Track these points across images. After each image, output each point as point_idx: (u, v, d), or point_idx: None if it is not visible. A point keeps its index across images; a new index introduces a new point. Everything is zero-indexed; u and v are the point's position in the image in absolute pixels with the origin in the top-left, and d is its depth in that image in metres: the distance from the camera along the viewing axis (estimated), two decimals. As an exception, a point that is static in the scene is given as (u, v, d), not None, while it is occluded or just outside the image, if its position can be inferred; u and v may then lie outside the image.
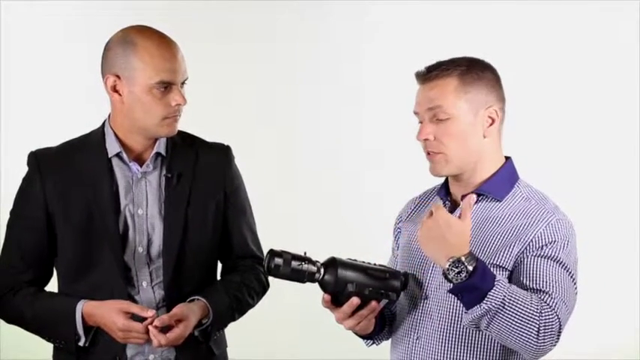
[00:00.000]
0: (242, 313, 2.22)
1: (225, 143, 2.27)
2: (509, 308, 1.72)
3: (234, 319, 2.21)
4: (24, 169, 2.18)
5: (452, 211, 1.95)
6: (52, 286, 2.21)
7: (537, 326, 1.74)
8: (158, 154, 2.15)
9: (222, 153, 2.24)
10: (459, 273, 1.71)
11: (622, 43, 3.85)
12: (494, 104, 1.91)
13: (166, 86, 2.05)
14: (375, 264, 1.90)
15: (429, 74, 1.91)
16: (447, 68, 1.90)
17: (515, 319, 1.73)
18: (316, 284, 1.86)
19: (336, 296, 1.86)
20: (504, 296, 1.72)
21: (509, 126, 1.98)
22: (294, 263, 1.81)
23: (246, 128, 3.82)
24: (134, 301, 2.10)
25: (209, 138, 2.28)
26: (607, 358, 3.75)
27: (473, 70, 1.90)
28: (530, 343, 1.75)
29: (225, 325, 2.22)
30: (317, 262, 1.84)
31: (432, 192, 2.08)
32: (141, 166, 2.14)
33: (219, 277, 2.30)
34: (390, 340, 2.04)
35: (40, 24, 3.81)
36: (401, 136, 3.73)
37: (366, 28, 3.99)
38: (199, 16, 3.86)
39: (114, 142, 2.12)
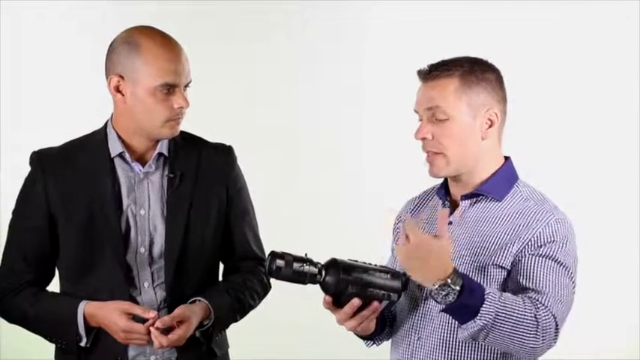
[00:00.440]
0: (244, 314, 2.22)
1: (227, 143, 2.27)
2: (503, 319, 1.72)
3: (235, 321, 2.21)
4: (25, 169, 2.18)
5: (452, 211, 1.96)
6: (54, 286, 2.21)
7: (535, 329, 1.75)
8: (160, 154, 2.15)
9: (224, 153, 2.24)
10: (446, 295, 1.70)
11: (622, 43, 3.85)
12: (494, 106, 1.91)
13: (170, 88, 2.05)
14: (375, 265, 1.90)
15: (431, 73, 1.91)
16: (448, 68, 1.89)
17: (512, 328, 1.73)
18: (317, 285, 1.87)
19: (337, 297, 1.85)
20: (497, 309, 1.72)
21: (509, 126, 1.98)
22: (296, 265, 1.81)
23: (246, 128, 3.81)
24: (136, 301, 2.10)
25: (209, 138, 2.28)
26: (607, 358, 3.75)
27: (475, 72, 1.90)
28: (530, 346, 1.76)
29: (227, 327, 2.22)
30: (318, 263, 1.84)
31: (432, 192, 2.08)
32: (143, 167, 2.14)
33: (220, 279, 2.29)
34: (391, 340, 2.05)
35: (40, 24, 3.81)
36: (401, 136, 3.73)
37: (366, 28, 4.00)
38: (200, 16, 3.86)
39: (116, 142, 2.12)
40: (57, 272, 2.20)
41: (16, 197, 2.17)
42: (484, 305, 1.71)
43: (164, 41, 2.06)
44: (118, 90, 2.08)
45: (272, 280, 2.08)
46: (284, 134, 3.94)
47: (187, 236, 2.14)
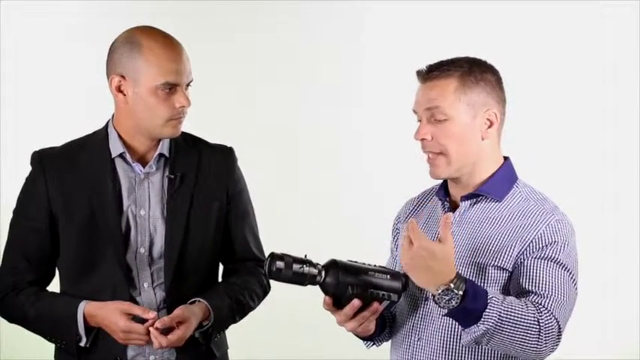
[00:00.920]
0: (243, 315, 2.22)
1: (228, 145, 2.27)
2: (507, 323, 1.73)
3: (235, 322, 2.21)
4: (25, 169, 2.18)
5: (452, 212, 1.95)
6: (54, 286, 2.22)
7: (537, 332, 1.75)
8: (161, 155, 2.15)
9: (225, 155, 2.24)
10: (449, 300, 1.71)
11: (622, 43, 3.85)
12: (493, 107, 1.91)
13: (171, 88, 2.05)
14: (375, 265, 1.90)
15: (430, 74, 1.90)
16: (448, 69, 1.89)
17: (515, 332, 1.74)
18: (317, 286, 1.86)
19: (337, 298, 1.85)
20: (499, 314, 1.72)
21: (508, 126, 1.98)
22: (296, 266, 1.81)
23: (246, 128, 3.82)
24: (135, 302, 2.10)
25: (209, 138, 2.28)
26: (607, 357, 3.75)
27: (474, 72, 1.90)
28: (533, 349, 1.76)
29: (226, 327, 2.22)
30: (318, 264, 1.84)
31: (431, 192, 2.07)
32: (144, 167, 2.14)
33: (220, 280, 2.29)
34: (391, 341, 2.04)
35: (41, 24, 3.81)
36: (401, 136, 3.74)
37: (367, 27, 4.00)
38: (200, 16, 3.86)
39: (117, 142, 2.12)
40: (57, 272, 2.20)
41: (17, 197, 2.17)
42: (487, 310, 1.72)
43: (165, 41, 2.06)
44: (119, 90, 2.08)
45: (271, 281, 2.08)
46: (284, 134, 3.94)
47: (187, 237, 2.14)
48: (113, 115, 2.16)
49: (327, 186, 3.94)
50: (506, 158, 1.98)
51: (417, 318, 1.94)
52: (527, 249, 1.85)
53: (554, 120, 3.87)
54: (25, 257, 2.14)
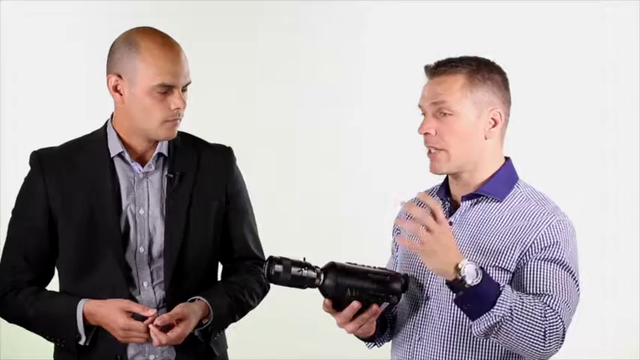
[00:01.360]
0: (242, 314, 2.22)
1: (227, 144, 2.27)
2: (516, 315, 1.73)
3: (234, 320, 2.21)
4: (24, 169, 2.18)
5: (452, 211, 1.96)
6: (53, 285, 2.21)
7: (543, 331, 1.75)
8: (160, 154, 2.15)
9: (224, 154, 2.24)
10: (476, 272, 1.71)
11: (622, 43, 3.84)
12: (498, 106, 1.91)
13: (167, 89, 2.04)
14: (375, 267, 1.90)
15: (438, 69, 1.91)
16: (456, 65, 1.90)
17: (522, 325, 1.74)
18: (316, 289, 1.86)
19: (336, 301, 1.86)
20: (512, 302, 1.73)
21: (508, 126, 1.98)
22: (294, 269, 1.81)
23: (246, 128, 3.82)
24: (135, 301, 2.10)
25: (208, 137, 2.28)
26: (607, 357, 3.75)
27: (481, 71, 1.91)
28: (537, 347, 1.76)
29: (226, 326, 2.22)
30: (317, 267, 1.84)
31: (432, 192, 2.07)
32: (143, 167, 2.14)
33: (219, 279, 2.29)
34: (391, 341, 2.04)
35: (40, 24, 3.82)
36: (401, 136, 3.74)
37: (367, 27, 4.00)
38: (199, 16, 3.86)
39: (116, 142, 2.12)
40: (56, 272, 2.20)
41: (16, 197, 2.17)
42: (501, 296, 1.72)
43: (163, 42, 2.06)
44: (116, 89, 2.08)
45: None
46: (284, 134, 3.94)
47: (187, 236, 2.14)
48: (112, 115, 2.16)
49: (327, 186, 3.94)
50: (507, 159, 1.98)
51: (417, 318, 1.94)
52: (529, 250, 1.85)
53: (554, 120, 3.86)
54: (24, 257, 2.13)
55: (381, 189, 3.87)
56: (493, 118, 1.91)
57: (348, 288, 1.83)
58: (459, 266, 1.71)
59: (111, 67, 2.08)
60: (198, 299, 2.11)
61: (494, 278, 1.84)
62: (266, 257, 2.21)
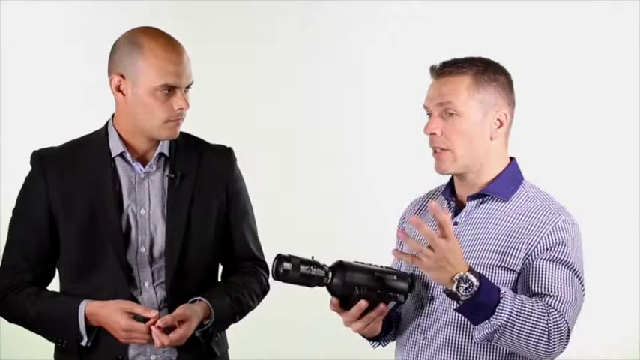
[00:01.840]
0: (243, 314, 2.22)
1: (227, 145, 2.27)
2: (517, 319, 1.73)
3: (235, 321, 2.21)
4: (24, 169, 2.18)
5: (458, 211, 1.96)
6: (54, 286, 2.21)
7: (547, 332, 1.75)
8: (161, 154, 2.15)
9: (224, 155, 2.24)
10: (467, 289, 1.70)
11: (625, 43, 3.84)
12: (504, 107, 1.92)
13: (170, 89, 2.05)
14: (382, 266, 1.90)
15: (444, 69, 1.92)
16: (462, 66, 1.91)
17: (525, 329, 1.74)
18: (321, 287, 1.86)
19: (344, 299, 1.86)
20: (512, 309, 1.73)
21: (513, 126, 1.98)
22: (303, 267, 1.81)
23: (246, 128, 3.81)
24: (136, 301, 2.10)
25: (209, 138, 2.29)
26: (608, 357, 3.75)
27: (487, 72, 1.91)
28: (542, 349, 1.76)
29: (227, 327, 2.22)
30: (325, 265, 1.84)
31: (437, 192, 2.07)
32: (144, 167, 2.14)
33: (219, 279, 2.29)
34: (396, 340, 2.04)
35: (40, 24, 3.81)
36: (401, 136, 3.74)
37: (367, 27, 3.99)
38: (200, 16, 3.86)
39: (117, 142, 2.12)
40: (57, 272, 2.20)
41: (17, 197, 2.17)
42: (500, 304, 1.72)
43: (166, 42, 2.07)
44: (119, 89, 2.08)
45: (272, 282, 2.08)
46: (284, 134, 3.94)
47: (188, 236, 2.14)
48: (113, 115, 2.16)
49: (327, 186, 3.94)
50: (512, 159, 1.98)
51: (422, 317, 1.94)
52: (535, 250, 1.85)
53: (558, 121, 3.86)
54: (24, 257, 2.13)
55: (381, 189, 3.87)
56: (499, 119, 1.91)
57: (356, 287, 1.83)
58: (454, 279, 1.71)
59: (113, 67, 2.08)
60: (200, 300, 2.11)
61: (500, 278, 1.85)
62: (266, 257, 2.22)
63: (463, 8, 3.88)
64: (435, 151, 1.92)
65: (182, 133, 2.16)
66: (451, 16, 3.90)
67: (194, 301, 2.11)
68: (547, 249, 1.85)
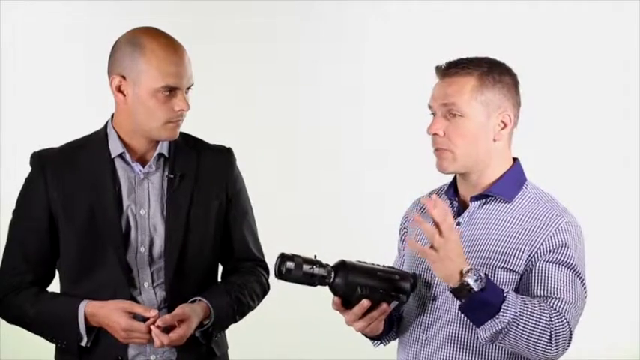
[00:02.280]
0: (243, 314, 2.22)
1: (227, 145, 2.27)
2: (521, 320, 1.73)
3: (235, 321, 2.21)
4: (24, 169, 2.17)
5: (461, 212, 1.96)
6: (54, 287, 2.21)
7: (549, 333, 1.75)
8: (161, 154, 2.15)
9: (224, 155, 2.24)
10: (477, 280, 1.70)
11: (625, 43, 3.84)
12: (508, 109, 1.91)
13: (171, 90, 2.05)
14: (384, 266, 1.90)
15: (449, 70, 1.91)
16: (467, 67, 1.90)
17: (528, 330, 1.74)
18: (322, 286, 1.86)
19: (346, 299, 1.86)
20: (516, 308, 1.73)
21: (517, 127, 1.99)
22: (306, 267, 1.81)
23: (246, 128, 3.82)
24: (136, 301, 2.10)
25: (209, 138, 2.29)
26: (608, 357, 3.75)
27: (492, 73, 1.90)
28: (544, 350, 1.76)
29: (227, 327, 2.22)
30: (327, 265, 1.84)
31: (440, 192, 2.06)
32: (143, 167, 2.14)
33: (219, 279, 2.29)
34: (398, 340, 2.05)
35: (40, 24, 3.81)
36: (401, 136, 3.75)
37: (367, 27, 3.99)
38: (199, 16, 3.86)
39: (117, 142, 2.12)
40: (57, 272, 2.20)
41: (17, 198, 2.17)
42: (506, 302, 1.72)
43: (168, 43, 2.07)
44: (119, 90, 2.08)
45: (273, 281, 2.08)
46: (284, 134, 3.94)
47: (187, 237, 2.14)
48: (113, 116, 2.16)
49: (327, 186, 3.94)
50: (515, 160, 1.98)
51: (424, 317, 1.94)
52: (537, 252, 1.85)
53: (559, 121, 3.86)
54: (25, 258, 2.13)
55: (381, 189, 3.87)
56: (502, 121, 1.91)
57: (359, 286, 1.84)
58: (463, 272, 1.71)
59: (114, 68, 2.08)
60: (199, 300, 2.11)
61: (502, 280, 1.85)
62: (267, 257, 2.22)
63: (463, 8, 3.88)
64: (436, 150, 1.92)
65: (181, 134, 2.16)
66: (451, 16, 3.90)
67: (194, 301, 2.11)
68: (550, 251, 1.85)
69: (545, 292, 1.81)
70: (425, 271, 1.95)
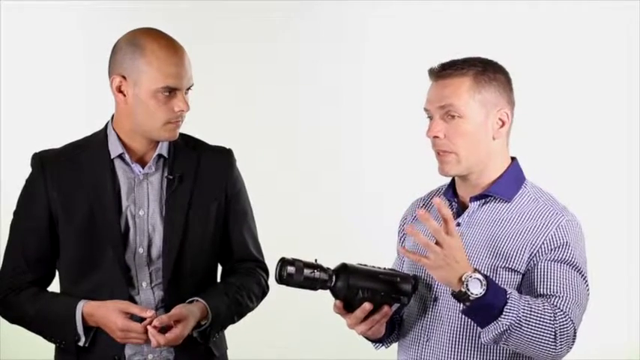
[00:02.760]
0: (241, 315, 2.22)
1: (227, 146, 2.27)
2: (525, 320, 1.73)
3: (233, 322, 2.21)
4: (24, 170, 2.18)
5: (460, 212, 1.95)
6: (54, 286, 2.22)
7: (554, 333, 1.75)
8: (160, 155, 2.15)
9: (224, 156, 2.24)
10: (476, 286, 1.70)
11: (625, 43, 3.84)
12: (505, 107, 1.91)
13: (171, 91, 2.05)
14: (384, 268, 1.90)
15: (443, 72, 1.91)
16: (461, 67, 1.90)
17: (532, 330, 1.74)
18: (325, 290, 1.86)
19: (348, 302, 1.86)
20: (519, 309, 1.72)
21: (514, 127, 1.98)
22: (307, 271, 1.81)
23: (246, 128, 3.82)
24: (134, 301, 2.10)
25: (209, 138, 2.29)
26: (608, 358, 3.75)
27: (487, 72, 1.90)
28: (549, 350, 1.76)
29: (225, 327, 2.22)
30: (328, 269, 1.84)
31: (438, 193, 2.06)
32: (143, 168, 2.14)
33: (219, 280, 2.29)
34: (398, 342, 2.04)
35: (40, 25, 3.81)
36: (401, 136, 3.74)
37: (367, 27, 3.99)
38: (199, 16, 3.86)
39: (116, 143, 2.12)
40: (57, 272, 2.20)
41: (17, 198, 2.17)
42: (508, 305, 1.72)
43: (168, 44, 2.07)
44: (119, 90, 2.08)
45: (272, 281, 2.08)
46: (284, 134, 3.94)
47: (186, 237, 2.14)
48: (113, 116, 2.16)
49: (327, 186, 3.94)
50: (513, 159, 1.98)
51: (425, 319, 1.93)
52: (539, 251, 1.85)
53: (557, 120, 3.86)
54: (25, 258, 2.14)
55: (381, 189, 3.87)
56: (500, 119, 1.91)
57: (360, 289, 1.83)
58: (463, 279, 1.71)
59: (115, 68, 2.08)
60: (197, 300, 2.12)
61: (504, 279, 1.85)
62: (266, 258, 2.22)
63: (463, 8, 3.87)
64: (438, 154, 1.92)
65: (181, 134, 2.16)
66: (451, 16, 3.90)
67: (191, 302, 2.11)
68: (551, 250, 1.85)
69: (548, 291, 1.81)
70: (425, 272, 1.94)
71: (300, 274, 1.80)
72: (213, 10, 3.87)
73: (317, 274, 1.81)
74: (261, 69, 3.92)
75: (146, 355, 2.13)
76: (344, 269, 1.84)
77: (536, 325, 1.74)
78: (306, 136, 3.97)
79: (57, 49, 3.82)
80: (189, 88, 2.10)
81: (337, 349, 3.59)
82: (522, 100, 1.99)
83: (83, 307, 2.08)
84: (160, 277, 2.13)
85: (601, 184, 3.85)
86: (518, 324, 1.72)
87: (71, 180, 2.12)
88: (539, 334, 1.74)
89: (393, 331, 2.03)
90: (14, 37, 3.78)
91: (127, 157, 2.13)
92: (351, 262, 1.86)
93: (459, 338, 1.88)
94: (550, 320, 1.75)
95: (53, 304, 2.12)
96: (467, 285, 1.70)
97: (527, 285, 1.85)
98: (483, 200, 1.93)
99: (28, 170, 2.17)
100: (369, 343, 2.08)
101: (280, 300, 2.60)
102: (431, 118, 1.92)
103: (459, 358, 1.88)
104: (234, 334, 2.30)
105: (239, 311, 2.20)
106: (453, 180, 2.00)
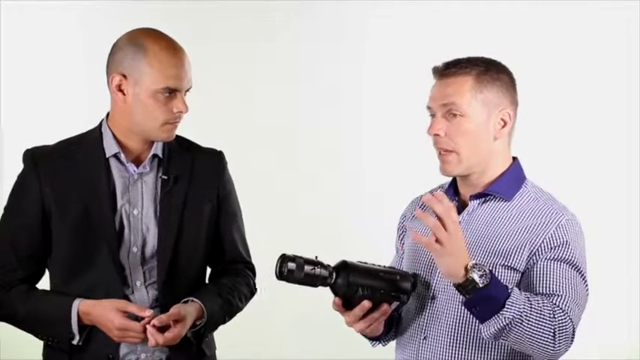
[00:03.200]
0: (232, 316, 2.23)
1: (226, 146, 2.28)
2: (525, 316, 1.73)
3: (224, 322, 2.22)
4: (20, 168, 2.17)
5: (460, 211, 1.95)
6: (43, 284, 2.20)
7: (553, 331, 1.75)
8: (155, 155, 2.16)
9: (215, 158, 2.26)
10: (482, 276, 1.70)
11: (625, 43, 3.84)
12: (507, 107, 1.92)
13: (171, 92, 2.06)
14: (384, 266, 1.90)
15: (447, 70, 1.92)
16: (465, 66, 1.91)
17: (532, 327, 1.74)
18: (320, 287, 1.86)
19: (347, 299, 1.86)
20: (521, 304, 1.73)
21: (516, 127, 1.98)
22: (307, 268, 1.81)
23: (246, 128, 3.82)
24: (128, 299, 2.10)
25: (208, 138, 2.29)
26: (608, 358, 3.75)
27: (490, 72, 1.91)
28: (547, 348, 1.76)
29: (217, 327, 2.22)
30: (329, 265, 1.84)
31: (439, 191, 2.06)
32: (137, 167, 2.14)
33: (207, 281, 2.30)
34: (396, 340, 2.05)
35: (40, 25, 3.81)
36: (401, 136, 3.74)
37: (367, 27, 3.99)
38: (198, 17, 3.86)
39: (112, 142, 2.12)
40: (47, 270, 2.19)
41: (9, 194, 2.16)
42: (510, 298, 1.72)
43: (169, 46, 2.08)
44: (119, 89, 2.08)
45: (271, 280, 2.07)
46: (284, 134, 3.94)
47: (179, 237, 2.15)
48: (108, 114, 2.16)
49: (327, 186, 3.94)
50: (514, 158, 1.98)
51: (423, 317, 1.94)
52: (539, 250, 1.85)
53: (559, 120, 3.86)
54: (15, 255, 2.12)
55: (380, 189, 3.87)
56: (502, 119, 1.92)
57: (360, 287, 1.84)
58: (469, 267, 1.71)
59: (115, 67, 2.08)
60: (192, 300, 2.12)
61: (503, 278, 1.85)
62: (266, 258, 2.22)
63: (463, 8, 3.87)
64: (440, 153, 1.92)
65: (176, 135, 2.16)
66: (451, 16, 3.90)
67: (187, 302, 2.12)
68: (551, 249, 1.85)
69: (548, 289, 1.82)
70: (424, 270, 1.95)
71: (300, 271, 1.81)
72: (212, 10, 3.87)
73: (317, 270, 1.82)
74: (260, 69, 3.92)
75: (139, 355, 2.13)
76: (344, 266, 1.85)
77: (536, 323, 1.74)
78: (305, 136, 3.97)
79: (57, 49, 3.82)
80: (187, 90, 2.11)
81: (331, 348, 3.59)
82: (522, 100, 1.99)
83: (79, 305, 2.07)
84: (154, 277, 2.13)
85: (601, 183, 3.85)
86: (519, 319, 1.72)
87: (66, 177, 2.11)
88: (539, 332, 1.74)
89: (391, 329, 2.04)
90: (14, 37, 3.78)
91: (122, 156, 2.13)
92: (352, 260, 1.86)
93: (457, 336, 1.89)
94: (549, 318, 1.75)
95: (46, 302, 2.11)
96: (473, 273, 1.70)
97: (526, 284, 1.85)
98: (483, 199, 1.94)
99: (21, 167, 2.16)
100: (364, 342, 2.08)
101: (273, 300, 2.60)
102: (433, 116, 1.93)
103: (456, 355, 1.89)
104: (227, 334, 2.31)
105: (230, 311, 2.22)
106: (454, 178, 2.00)
